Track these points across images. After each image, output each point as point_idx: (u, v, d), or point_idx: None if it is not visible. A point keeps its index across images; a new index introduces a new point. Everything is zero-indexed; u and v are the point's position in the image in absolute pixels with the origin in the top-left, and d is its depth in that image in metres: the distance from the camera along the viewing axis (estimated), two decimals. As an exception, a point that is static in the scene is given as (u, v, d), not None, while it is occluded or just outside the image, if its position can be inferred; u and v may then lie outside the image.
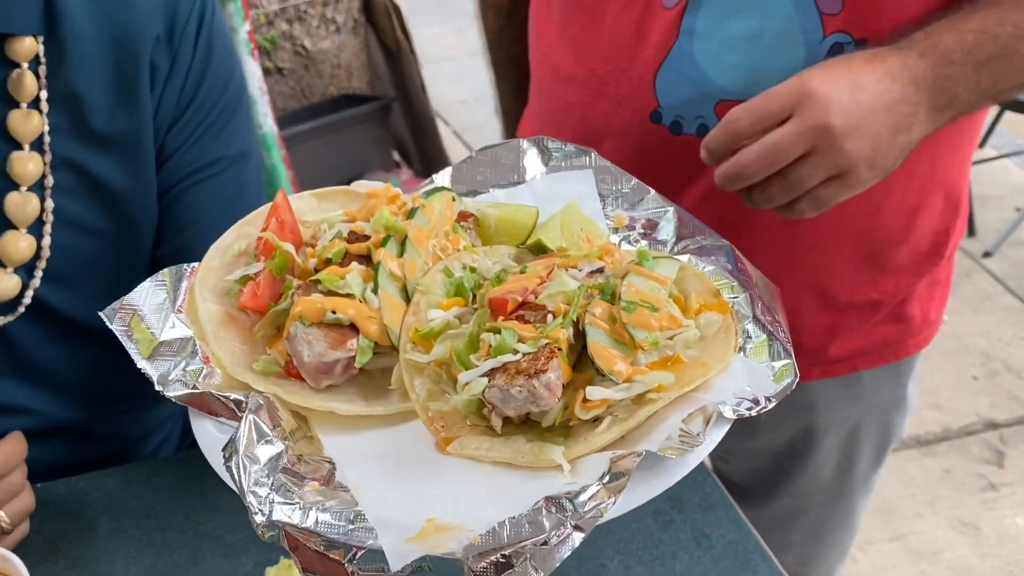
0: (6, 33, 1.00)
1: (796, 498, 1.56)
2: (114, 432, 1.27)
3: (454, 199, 0.91)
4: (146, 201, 1.14)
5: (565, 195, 0.94)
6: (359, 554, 0.62)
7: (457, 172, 1.00)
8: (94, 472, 1.17)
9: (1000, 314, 3.49)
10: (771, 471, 1.56)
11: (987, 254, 3.75)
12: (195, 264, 0.88)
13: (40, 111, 1.04)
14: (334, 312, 0.78)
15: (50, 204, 1.07)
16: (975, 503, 2.81)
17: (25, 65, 1.02)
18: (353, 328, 0.79)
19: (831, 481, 1.54)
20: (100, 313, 0.85)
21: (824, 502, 1.58)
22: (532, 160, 1.00)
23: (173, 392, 0.76)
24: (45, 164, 1.05)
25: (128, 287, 1.12)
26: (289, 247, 0.86)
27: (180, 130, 1.13)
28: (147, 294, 0.85)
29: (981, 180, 4.05)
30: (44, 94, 1.04)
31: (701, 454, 0.65)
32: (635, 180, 0.97)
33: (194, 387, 0.76)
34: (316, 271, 0.85)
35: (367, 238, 0.86)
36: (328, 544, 0.62)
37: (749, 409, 0.68)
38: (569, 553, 0.60)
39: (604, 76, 1.22)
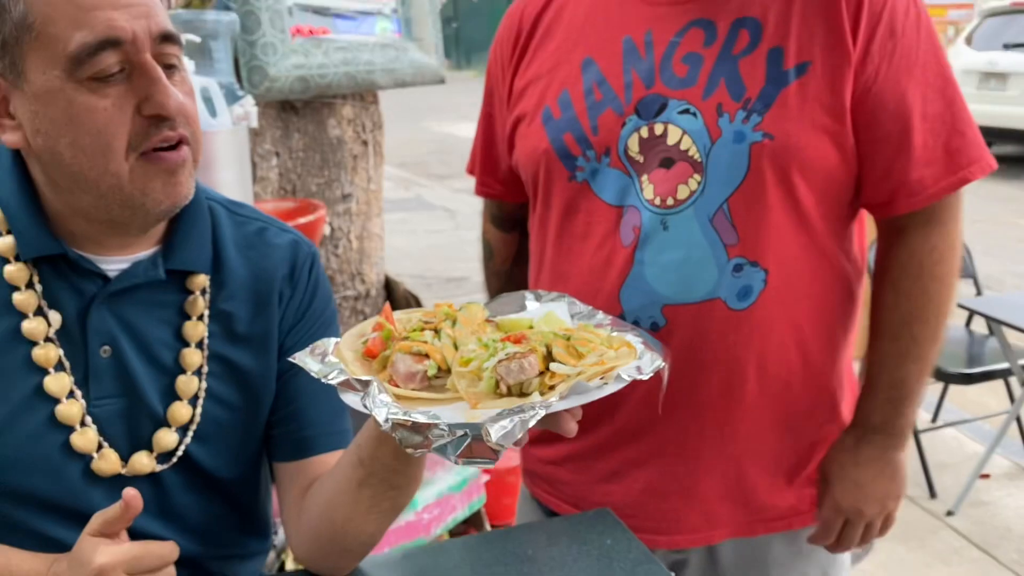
0: (191, 271, 1.37)
1: None
2: (221, 572, 1.50)
3: (483, 308, 1.59)
4: (269, 383, 1.46)
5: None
6: (451, 440, 1.21)
7: None
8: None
9: (968, 566, 3.62)
10: None
11: (950, 513, 3.99)
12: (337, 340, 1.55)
13: (203, 322, 1.38)
14: (416, 347, 1.44)
15: (204, 385, 1.39)
16: None
17: (197, 292, 1.37)
18: (427, 356, 1.44)
19: None
20: (290, 359, 1.48)
21: None
22: (530, 301, 1.69)
23: (333, 380, 1.38)
24: (204, 357, 1.38)
25: (250, 448, 1.47)
26: (392, 328, 1.53)
27: (295, 333, 1.48)
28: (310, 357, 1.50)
29: (936, 448, 4.44)
30: (207, 312, 1.38)
31: (607, 390, 1.26)
32: (591, 307, 1.63)
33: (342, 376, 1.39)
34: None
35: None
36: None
37: (636, 376, 1.29)
38: (534, 424, 1.19)
39: (583, 295, 1.56)
